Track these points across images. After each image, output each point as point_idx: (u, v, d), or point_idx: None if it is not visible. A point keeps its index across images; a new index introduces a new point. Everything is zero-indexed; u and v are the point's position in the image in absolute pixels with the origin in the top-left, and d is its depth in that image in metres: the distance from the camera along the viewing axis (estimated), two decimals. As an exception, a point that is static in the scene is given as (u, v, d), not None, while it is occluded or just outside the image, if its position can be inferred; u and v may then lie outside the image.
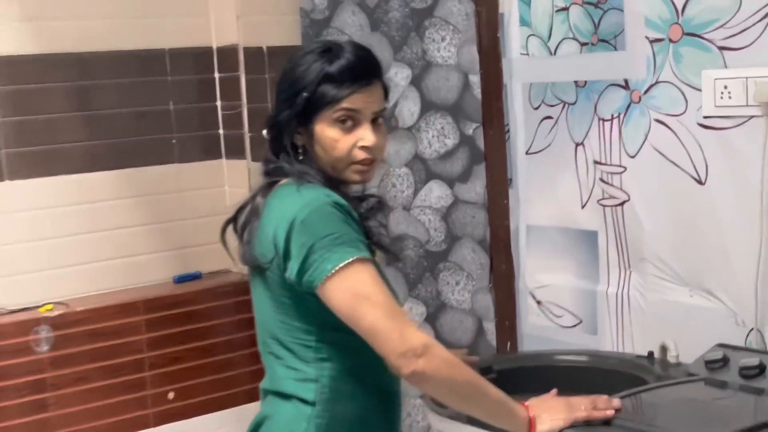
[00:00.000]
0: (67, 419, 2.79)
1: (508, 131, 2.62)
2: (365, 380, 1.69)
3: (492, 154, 2.65)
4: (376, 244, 1.76)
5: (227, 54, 3.11)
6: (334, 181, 1.72)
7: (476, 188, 2.69)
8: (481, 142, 2.66)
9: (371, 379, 1.67)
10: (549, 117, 2.50)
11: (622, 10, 2.26)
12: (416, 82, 2.82)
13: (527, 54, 2.54)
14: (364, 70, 1.71)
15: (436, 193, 2.81)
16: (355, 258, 1.58)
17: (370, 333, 1.58)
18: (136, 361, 2.90)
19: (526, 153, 2.58)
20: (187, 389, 2.98)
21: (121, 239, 2.97)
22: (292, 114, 1.71)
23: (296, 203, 1.63)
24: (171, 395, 2.96)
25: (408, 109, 2.85)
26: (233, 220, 1.78)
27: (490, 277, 2.69)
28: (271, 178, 1.75)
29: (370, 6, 2.90)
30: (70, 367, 2.79)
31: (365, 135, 1.70)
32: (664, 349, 2.13)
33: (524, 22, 2.53)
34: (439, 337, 2.85)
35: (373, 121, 1.73)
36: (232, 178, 3.16)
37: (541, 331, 2.60)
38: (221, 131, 3.17)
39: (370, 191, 1.86)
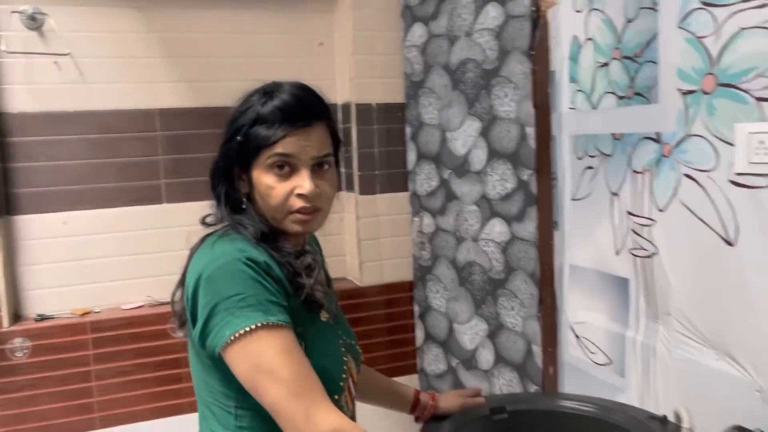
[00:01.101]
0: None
1: (555, 178, 1.83)
2: None
3: (542, 199, 1.87)
4: (308, 301, 1.05)
5: (346, 109, 2.50)
6: (273, 233, 1.06)
7: (529, 228, 1.93)
8: (534, 187, 1.89)
9: None
10: (590, 167, 1.69)
11: (656, 63, 1.43)
12: (485, 133, 2.08)
13: (574, 108, 1.75)
14: (300, 111, 1.02)
15: (497, 229, 2.06)
16: (259, 324, 0.91)
17: (273, 411, 0.90)
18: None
19: (572, 199, 1.78)
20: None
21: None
22: (229, 160, 1.06)
23: (206, 258, 0.98)
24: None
25: (478, 157, 2.11)
26: None
27: (539, 307, 1.92)
28: (207, 227, 1.11)
29: (452, 68, 2.19)
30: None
31: (302, 182, 1.02)
32: (677, 416, 1.29)
33: (573, 78, 1.74)
34: (497, 352, 2.10)
35: (319, 167, 1.05)
36: (349, 207, 2.54)
37: (578, 362, 1.79)
38: (342, 170, 2.56)
39: (307, 247, 1.14)
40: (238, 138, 1.03)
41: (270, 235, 1.03)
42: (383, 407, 1.39)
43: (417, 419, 1.38)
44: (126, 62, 2.22)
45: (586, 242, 1.74)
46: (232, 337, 0.91)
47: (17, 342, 2.05)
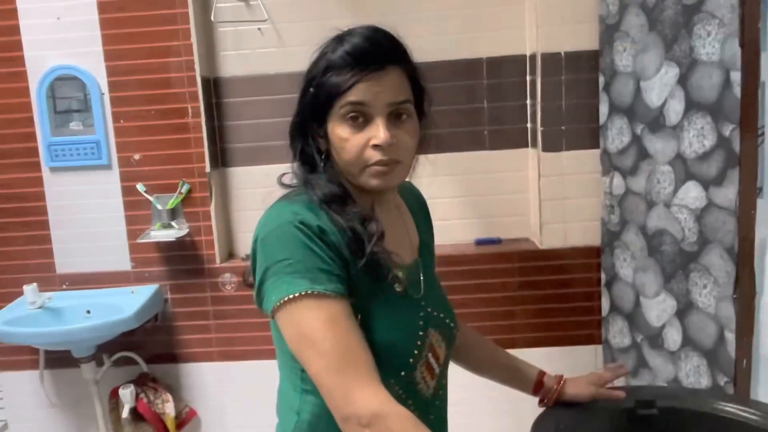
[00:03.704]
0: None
1: (763, 134, 1.44)
2: None
3: (745, 159, 1.48)
4: (373, 270, 0.93)
5: (532, 61, 2.24)
6: (344, 195, 0.95)
7: (728, 194, 1.55)
8: (736, 146, 1.50)
9: None
10: (805, 120, 1.29)
11: None
12: (683, 80, 1.71)
13: (790, 46, 1.34)
14: (372, 53, 0.91)
15: (692, 194, 1.70)
16: (305, 292, 0.85)
17: (316, 383, 0.84)
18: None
19: (782, 160, 1.39)
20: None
21: (436, 206, 2.33)
22: (304, 114, 0.97)
23: (263, 220, 0.93)
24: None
25: (674, 108, 1.75)
26: None
27: (735, 288, 1.55)
28: (283, 187, 1.04)
29: (650, 6, 1.83)
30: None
31: (377, 132, 0.91)
32: None
33: (790, 7, 1.33)
34: (685, 333, 1.77)
35: (396, 116, 0.93)
36: (532, 165, 2.31)
37: (778, 359, 1.42)
38: (528, 125, 2.31)
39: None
40: (311, 90, 0.95)
41: (339, 198, 0.95)
42: (504, 384, 1.23)
43: (540, 402, 1.20)
44: (319, 25, 2.25)
45: (797, 214, 1.34)
46: (278, 303, 0.86)
47: (226, 277, 2.28)
